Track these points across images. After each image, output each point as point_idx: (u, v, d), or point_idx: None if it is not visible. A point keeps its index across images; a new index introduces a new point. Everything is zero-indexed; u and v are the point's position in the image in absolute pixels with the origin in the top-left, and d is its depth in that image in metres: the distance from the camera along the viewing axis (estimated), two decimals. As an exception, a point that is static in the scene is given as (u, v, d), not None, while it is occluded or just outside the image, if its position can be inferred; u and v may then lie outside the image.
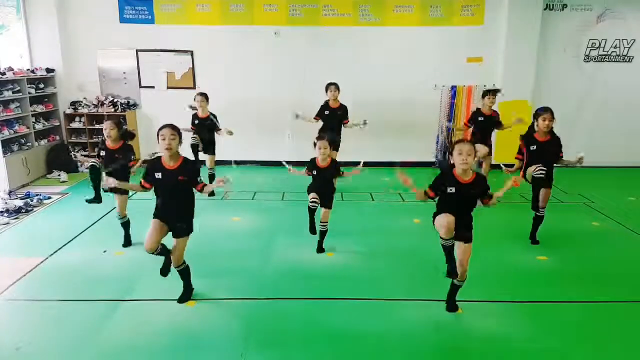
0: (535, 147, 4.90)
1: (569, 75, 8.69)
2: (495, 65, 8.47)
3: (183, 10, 8.35)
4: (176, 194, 3.81)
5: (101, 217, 5.94)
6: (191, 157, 6.21)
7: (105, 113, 8.19)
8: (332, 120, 6.60)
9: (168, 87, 8.67)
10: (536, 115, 4.96)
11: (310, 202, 4.88)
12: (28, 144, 7.75)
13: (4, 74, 7.22)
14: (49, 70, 8.26)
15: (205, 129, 6.65)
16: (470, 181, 3.56)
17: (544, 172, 4.79)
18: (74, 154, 4.98)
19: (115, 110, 8.32)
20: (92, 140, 8.35)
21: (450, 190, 3.55)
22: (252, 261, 4.85)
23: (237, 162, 8.18)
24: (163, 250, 3.90)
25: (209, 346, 3.45)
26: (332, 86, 6.63)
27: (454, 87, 8.59)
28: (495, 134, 6.81)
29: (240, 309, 3.96)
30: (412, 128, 8.65)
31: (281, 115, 8.15)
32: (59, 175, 7.87)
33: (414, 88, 8.54)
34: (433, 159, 8.67)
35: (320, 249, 5.06)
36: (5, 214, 5.99)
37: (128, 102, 8.61)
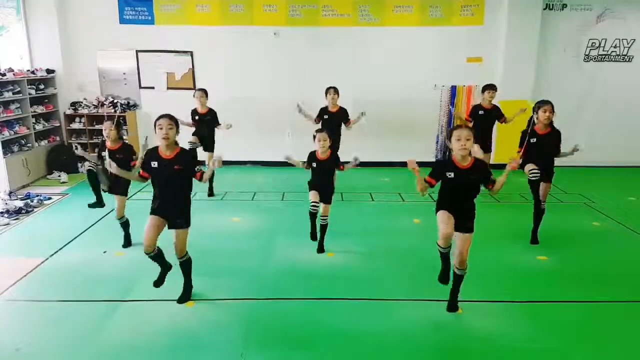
0: (535, 139, 4.92)
1: (569, 75, 8.69)
2: (495, 66, 8.47)
3: (183, 10, 8.36)
4: (172, 184, 3.79)
5: (101, 218, 5.94)
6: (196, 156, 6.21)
7: (105, 114, 8.18)
8: (332, 124, 6.60)
9: (168, 88, 8.68)
10: (536, 108, 4.99)
11: (311, 207, 4.89)
12: (28, 144, 7.76)
13: (4, 75, 7.22)
14: (49, 71, 8.27)
15: (205, 124, 6.66)
16: (469, 166, 3.57)
17: (538, 174, 4.84)
18: (75, 145, 5.04)
19: (115, 111, 8.31)
20: (93, 141, 8.35)
21: (450, 175, 3.56)
22: (252, 261, 4.85)
23: (242, 163, 8.16)
24: (160, 258, 3.91)
25: (209, 346, 3.46)
26: (331, 90, 6.63)
27: (453, 87, 8.60)
28: (496, 134, 6.82)
29: (240, 309, 3.96)
30: (412, 128, 8.66)
31: (281, 116, 8.16)
32: (59, 176, 7.88)
33: (414, 88, 8.54)
34: (433, 159, 8.68)
35: (321, 249, 5.05)
36: (6, 215, 5.99)
37: (128, 102, 8.61)
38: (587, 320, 3.85)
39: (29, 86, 7.74)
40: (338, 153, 6.75)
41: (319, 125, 6.81)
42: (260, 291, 4.24)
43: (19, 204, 6.30)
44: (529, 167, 4.91)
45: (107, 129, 4.82)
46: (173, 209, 3.80)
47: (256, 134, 8.68)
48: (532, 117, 5.08)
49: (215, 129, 6.76)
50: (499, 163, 6.92)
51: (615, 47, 8.66)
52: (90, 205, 5.18)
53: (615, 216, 6.27)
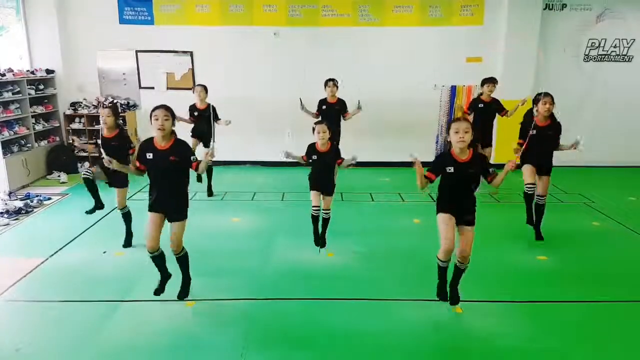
0: (534, 131, 4.94)
1: (569, 75, 8.68)
2: (495, 65, 8.46)
3: (182, 11, 8.36)
4: (168, 175, 3.76)
5: (101, 218, 5.94)
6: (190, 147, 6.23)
7: (102, 104, 8.17)
8: (330, 115, 6.64)
9: (168, 88, 8.67)
10: (536, 100, 5.02)
11: (313, 210, 4.88)
12: (28, 145, 7.76)
13: (3, 75, 7.22)
14: (48, 71, 8.27)
15: (205, 120, 6.66)
16: (468, 160, 3.57)
17: (533, 189, 5.15)
18: (71, 139, 5.06)
19: (113, 101, 8.30)
20: (92, 141, 8.34)
21: (449, 169, 3.56)
22: (252, 261, 4.85)
23: (242, 163, 8.15)
24: (162, 260, 3.91)
25: (209, 346, 3.45)
26: (331, 82, 6.67)
27: (453, 87, 8.60)
28: (496, 128, 6.81)
29: (240, 309, 3.96)
30: (412, 128, 8.65)
31: (281, 116, 8.15)
32: (58, 176, 7.88)
33: (414, 88, 8.54)
34: (433, 159, 8.67)
35: (323, 242, 5.03)
36: (6, 215, 5.99)
37: (128, 102, 8.61)
38: (587, 320, 3.85)
39: (29, 86, 7.73)
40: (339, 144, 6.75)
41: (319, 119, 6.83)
42: (260, 291, 4.24)
43: (19, 204, 6.30)
44: (525, 177, 5.10)
45: (104, 116, 4.78)
46: (169, 200, 3.78)
47: (256, 134, 8.68)
48: (530, 109, 5.11)
49: (215, 124, 6.76)
50: (499, 163, 6.97)
51: (615, 47, 8.66)
52: (88, 212, 5.19)
53: (615, 216, 6.27)
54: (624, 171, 8.73)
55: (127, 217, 5.14)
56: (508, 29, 8.29)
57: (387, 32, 8.46)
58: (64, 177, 7.83)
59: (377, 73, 8.50)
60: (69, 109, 8.49)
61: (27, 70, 7.96)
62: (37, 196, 6.75)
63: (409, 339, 3.56)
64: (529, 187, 5.22)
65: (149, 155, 3.73)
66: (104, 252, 5.02)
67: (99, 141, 4.80)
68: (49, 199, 6.80)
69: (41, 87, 8.12)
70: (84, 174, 4.98)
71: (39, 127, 7.99)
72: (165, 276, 4.02)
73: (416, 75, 8.54)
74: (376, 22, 8.43)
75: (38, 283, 4.40)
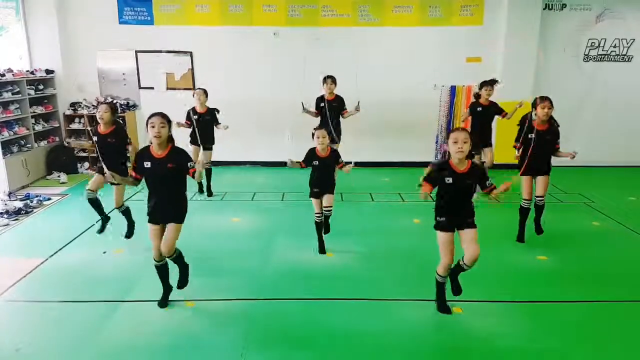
0: (533, 135, 4.94)
1: (569, 75, 8.68)
2: (494, 65, 8.46)
3: (182, 11, 8.36)
4: (166, 182, 3.74)
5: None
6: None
7: (99, 101, 8.18)
8: (329, 111, 6.64)
9: (168, 88, 8.67)
10: (535, 104, 5.01)
11: (316, 216, 4.89)
12: (28, 145, 7.75)
13: (3, 75, 7.22)
14: (48, 71, 8.26)
15: (205, 124, 6.65)
16: (466, 171, 3.56)
17: (529, 204, 5.21)
18: (66, 142, 5.06)
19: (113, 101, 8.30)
20: (89, 141, 8.34)
21: (448, 180, 3.55)
22: (252, 261, 4.85)
23: (238, 163, 8.15)
24: (165, 272, 3.93)
25: (209, 346, 3.45)
26: (329, 79, 6.67)
27: (453, 87, 8.60)
28: (495, 130, 6.81)
29: (240, 309, 3.96)
30: (412, 128, 8.66)
31: (281, 116, 8.15)
32: (58, 176, 7.88)
33: (414, 88, 8.54)
34: (433, 159, 8.68)
35: (327, 228, 5.07)
36: (5, 215, 5.99)
37: (128, 103, 8.61)
38: (587, 320, 3.85)
39: (29, 87, 7.73)
40: (339, 148, 6.80)
41: (319, 120, 6.83)
42: (260, 291, 4.24)
43: (19, 204, 6.29)
44: (523, 191, 5.15)
45: (102, 111, 4.77)
46: (167, 207, 3.77)
47: (256, 134, 8.67)
48: (527, 114, 5.10)
49: (215, 127, 6.76)
50: (499, 163, 6.98)
51: (614, 47, 8.66)
52: (99, 232, 5.26)
53: (615, 216, 6.27)
54: (624, 171, 8.73)
55: (126, 212, 5.17)
56: (508, 29, 8.29)
57: (387, 32, 8.46)
58: (63, 177, 7.82)
59: (377, 73, 8.49)
60: (68, 109, 8.48)
61: (27, 71, 7.96)
62: (36, 196, 6.75)
63: (409, 339, 3.56)
64: (525, 202, 5.25)
65: (147, 164, 3.71)
66: (104, 253, 5.01)
67: (95, 138, 4.79)
68: (49, 199, 6.80)
69: (41, 87, 8.11)
70: (88, 196, 5.00)
71: (38, 128, 7.99)
72: (167, 289, 4.00)
73: (416, 75, 8.53)
74: (376, 22, 8.43)
75: (38, 283, 4.40)
